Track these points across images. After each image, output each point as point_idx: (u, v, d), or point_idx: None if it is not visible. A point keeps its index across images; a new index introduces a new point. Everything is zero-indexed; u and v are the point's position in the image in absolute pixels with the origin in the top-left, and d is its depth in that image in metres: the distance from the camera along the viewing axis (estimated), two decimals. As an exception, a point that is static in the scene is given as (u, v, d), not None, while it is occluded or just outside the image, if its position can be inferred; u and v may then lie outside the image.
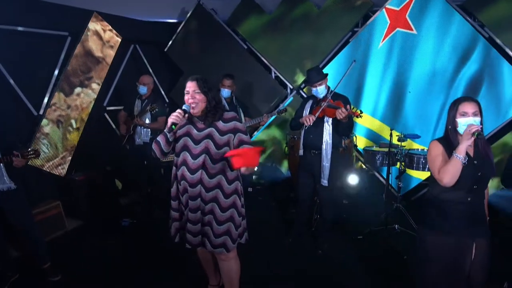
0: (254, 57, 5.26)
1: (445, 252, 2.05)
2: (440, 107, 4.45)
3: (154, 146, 2.35)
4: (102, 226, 4.14)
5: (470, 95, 4.13)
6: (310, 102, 3.43)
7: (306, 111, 3.39)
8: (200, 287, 2.82)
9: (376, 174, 4.82)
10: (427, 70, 4.42)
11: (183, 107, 2.23)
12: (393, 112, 4.67)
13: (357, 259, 3.40)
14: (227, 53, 5.30)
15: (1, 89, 3.62)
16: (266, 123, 4.34)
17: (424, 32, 4.36)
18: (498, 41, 4.14)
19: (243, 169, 2.14)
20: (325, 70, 4.83)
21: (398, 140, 3.80)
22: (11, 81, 3.68)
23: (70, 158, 4.26)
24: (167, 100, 5.67)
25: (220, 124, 2.30)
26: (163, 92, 5.72)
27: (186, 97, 2.27)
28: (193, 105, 2.24)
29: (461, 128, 1.99)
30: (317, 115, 3.17)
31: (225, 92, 4.17)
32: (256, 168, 2.12)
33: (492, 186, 4.10)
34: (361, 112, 3.00)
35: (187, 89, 2.28)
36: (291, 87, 5.17)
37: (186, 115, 2.22)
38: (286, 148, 4.71)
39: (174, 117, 2.19)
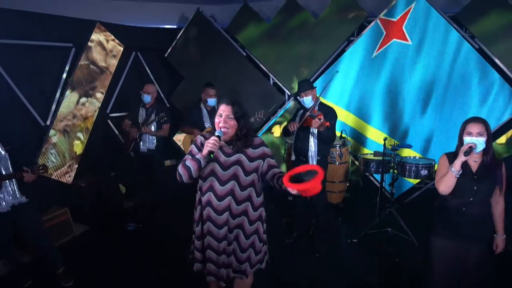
0: (253, 64, 5.40)
1: (445, 254, 2.36)
2: (433, 116, 4.62)
3: (182, 170, 2.17)
4: (109, 230, 4.28)
5: (460, 104, 4.38)
6: (301, 111, 3.68)
7: (297, 119, 3.64)
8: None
9: (371, 178, 5.01)
10: (421, 79, 4.59)
11: (217, 134, 2.13)
12: (388, 120, 4.85)
13: (351, 262, 3.60)
14: (226, 59, 5.43)
15: (9, 101, 3.74)
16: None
17: (418, 42, 4.51)
18: (488, 52, 4.30)
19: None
20: (321, 79, 5.04)
21: (392, 149, 3.98)
22: (19, 94, 3.79)
23: (76, 166, 4.41)
24: (167, 105, 5.80)
25: (249, 150, 2.25)
26: (164, 98, 5.85)
27: (217, 120, 2.19)
28: (224, 130, 2.16)
29: None
30: (301, 123, 3.46)
31: (212, 101, 4.31)
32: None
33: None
34: (331, 122, 3.34)
35: (220, 112, 2.19)
36: (289, 93, 5.33)
37: (221, 141, 2.14)
38: (285, 153, 4.88)
39: (211, 145, 2.08)
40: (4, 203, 2.84)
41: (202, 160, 2.14)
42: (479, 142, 2.19)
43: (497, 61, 4.27)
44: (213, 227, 2.26)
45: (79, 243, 4.02)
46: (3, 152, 2.85)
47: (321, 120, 3.21)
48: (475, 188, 2.24)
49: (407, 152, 4.53)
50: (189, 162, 2.17)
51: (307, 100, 3.54)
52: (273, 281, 3.22)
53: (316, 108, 3.52)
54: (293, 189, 1.98)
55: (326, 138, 3.50)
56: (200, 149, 2.23)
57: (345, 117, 5.04)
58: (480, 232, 2.31)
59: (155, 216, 4.54)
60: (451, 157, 2.34)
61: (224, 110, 2.18)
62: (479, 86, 4.35)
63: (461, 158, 2.18)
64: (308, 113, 3.44)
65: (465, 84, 4.41)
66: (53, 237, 3.70)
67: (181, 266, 3.33)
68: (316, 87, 3.65)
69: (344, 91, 5.00)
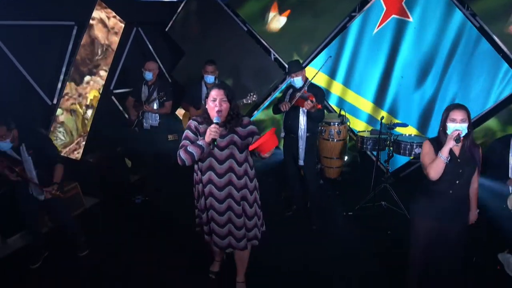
0: (254, 39, 5.40)
1: (429, 232, 2.52)
2: (431, 94, 4.70)
3: (184, 156, 2.37)
4: (117, 203, 4.51)
5: (459, 82, 4.44)
6: (290, 91, 3.81)
7: (287, 98, 3.78)
8: (206, 261, 3.19)
9: (369, 153, 5.17)
10: (421, 56, 4.63)
11: (215, 121, 2.32)
12: (386, 96, 4.93)
13: (346, 233, 3.83)
14: (227, 34, 5.42)
15: (16, 81, 3.82)
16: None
17: (419, 19, 4.51)
18: (488, 30, 4.30)
19: (267, 154, 2.30)
20: (322, 55, 5.06)
21: (388, 128, 4.11)
22: (25, 74, 3.87)
23: (84, 143, 4.58)
24: (169, 80, 5.87)
25: (239, 129, 2.48)
26: (166, 73, 5.90)
27: (212, 105, 2.38)
28: (218, 114, 2.35)
29: (449, 131, 2.32)
30: (292, 103, 3.59)
31: (209, 78, 4.38)
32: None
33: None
34: (322, 106, 3.49)
35: (214, 96, 2.38)
36: (290, 69, 5.36)
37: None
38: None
39: (214, 133, 2.27)
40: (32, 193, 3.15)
41: (206, 147, 2.37)
42: (462, 128, 2.28)
43: (496, 39, 4.28)
44: (215, 202, 2.51)
45: (89, 216, 4.25)
46: (27, 155, 3.03)
47: (313, 103, 3.36)
48: (460, 171, 2.37)
49: (405, 130, 4.58)
50: (191, 149, 2.37)
51: (297, 81, 3.67)
52: (270, 254, 3.37)
53: (306, 88, 3.63)
54: (252, 150, 2.32)
55: (316, 118, 3.68)
56: (195, 133, 2.47)
57: (343, 93, 5.12)
58: (462, 212, 2.49)
59: (161, 189, 4.74)
60: (435, 143, 2.43)
61: (217, 94, 2.38)
62: (479, 65, 4.38)
63: (449, 145, 2.27)
64: (298, 93, 3.58)
65: (464, 62, 4.45)
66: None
67: (188, 235, 3.53)
68: (305, 68, 3.75)
69: (343, 67, 5.04)
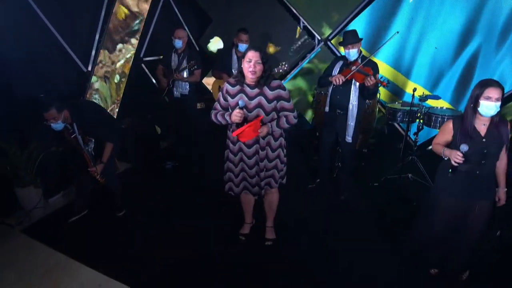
0: (283, 6, 5.28)
1: (452, 208, 2.49)
2: (464, 67, 4.55)
3: (215, 119, 2.75)
4: (149, 168, 4.70)
5: (494, 56, 4.24)
6: (340, 63, 3.58)
7: (335, 71, 3.56)
8: (236, 224, 3.35)
9: (396, 125, 5.12)
10: (457, 28, 4.44)
11: (240, 105, 2.53)
12: (419, 69, 4.80)
13: (372, 205, 3.87)
14: (256, 1, 5.33)
15: (52, 47, 3.91)
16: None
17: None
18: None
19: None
20: (352, 24, 4.92)
21: (420, 100, 4.04)
22: (61, 40, 3.95)
23: (117, 109, 4.73)
24: (197, 49, 5.88)
25: (267, 91, 2.60)
26: (193, 41, 5.90)
27: (246, 65, 2.51)
28: (252, 74, 2.50)
29: (481, 109, 2.21)
30: (347, 77, 3.37)
31: (242, 47, 4.35)
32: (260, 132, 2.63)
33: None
34: (388, 82, 3.23)
35: (250, 57, 2.50)
36: (319, 38, 5.27)
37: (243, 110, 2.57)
38: (312, 100, 4.99)
39: (238, 118, 2.54)
40: None
41: (231, 123, 2.69)
42: (497, 107, 2.18)
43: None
44: (245, 156, 2.80)
45: (123, 179, 4.44)
46: (77, 134, 3.19)
47: (377, 79, 3.17)
48: (485, 151, 2.28)
49: (437, 102, 4.51)
50: (220, 118, 2.73)
51: (353, 53, 3.44)
52: (296, 222, 3.52)
53: (359, 60, 3.42)
54: (234, 135, 2.59)
55: (372, 95, 3.52)
56: (225, 98, 2.70)
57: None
58: (488, 189, 2.42)
59: (191, 155, 4.88)
60: (457, 123, 2.35)
61: (253, 56, 2.50)
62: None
63: (450, 156, 2.28)
64: (354, 67, 3.36)
65: (501, 35, 4.24)
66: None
67: (218, 199, 3.70)
68: (362, 38, 3.50)
69: (375, 36, 4.89)
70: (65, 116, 3.09)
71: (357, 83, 3.45)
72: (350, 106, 3.53)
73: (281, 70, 3.92)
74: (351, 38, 3.42)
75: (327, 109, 3.75)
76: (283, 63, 3.86)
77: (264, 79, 2.56)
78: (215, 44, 5.81)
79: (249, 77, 2.54)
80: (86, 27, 4.26)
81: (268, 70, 2.56)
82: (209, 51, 5.91)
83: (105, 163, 3.35)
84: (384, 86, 3.26)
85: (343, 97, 3.55)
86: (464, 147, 2.20)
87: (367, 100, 3.87)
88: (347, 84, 3.46)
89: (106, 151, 3.34)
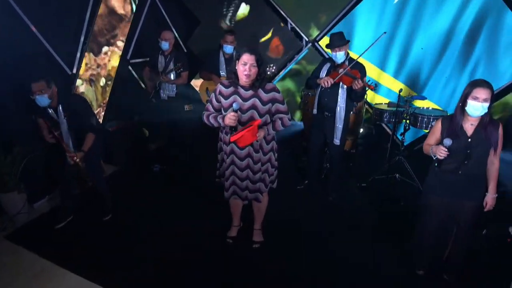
0: (270, 7, 5.28)
1: (440, 208, 2.52)
2: (451, 67, 4.60)
3: (207, 121, 2.73)
4: (136, 171, 4.64)
5: (481, 56, 4.30)
6: (327, 65, 3.58)
7: (323, 73, 3.56)
8: (224, 226, 3.33)
9: (384, 125, 5.16)
10: (442, 28, 4.49)
11: (234, 108, 2.51)
12: (405, 69, 4.85)
13: (360, 205, 3.91)
14: (243, 2, 5.32)
15: (36, 50, 3.83)
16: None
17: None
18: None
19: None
20: (339, 25, 4.94)
21: (405, 101, 4.08)
22: (45, 43, 3.89)
23: (103, 113, 4.67)
24: (185, 50, 5.85)
25: (262, 94, 2.60)
26: (181, 43, 5.87)
27: (241, 68, 2.51)
28: (246, 77, 2.51)
29: (468, 109, 2.23)
30: (335, 80, 3.37)
31: (228, 48, 4.36)
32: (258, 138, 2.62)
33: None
34: (376, 85, 3.24)
35: (245, 60, 2.50)
36: (307, 39, 5.28)
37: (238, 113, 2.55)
38: (300, 102, 5.01)
39: (232, 121, 2.52)
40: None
41: (223, 125, 2.65)
42: (484, 108, 2.18)
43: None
44: (236, 158, 2.76)
45: (110, 182, 4.38)
46: (63, 117, 3.12)
47: (364, 82, 3.16)
48: (468, 151, 2.29)
49: (423, 103, 4.55)
50: (212, 120, 2.71)
51: (340, 55, 3.43)
52: (285, 224, 3.51)
53: (346, 63, 3.42)
54: (232, 141, 2.55)
55: (360, 97, 3.50)
56: (218, 100, 2.68)
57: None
58: (474, 191, 2.41)
59: (178, 157, 4.84)
60: (446, 122, 2.36)
61: (248, 59, 2.50)
62: (502, 38, 4.24)
63: (436, 153, 2.29)
64: (342, 70, 3.35)
65: (487, 36, 4.31)
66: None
67: (205, 202, 3.70)
68: (349, 40, 3.50)
69: (362, 38, 4.93)
70: (53, 92, 3.07)
71: (345, 86, 3.46)
72: (338, 108, 3.54)
73: (268, 72, 3.94)
74: (337, 41, 3.41)
75: (315, 111, 3.76)
76: (271, 65, 3.86)
77: (259, 82, 2.56)
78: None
79: (244, 80, 2.54)
80: (71, 29, 4.20)
81: (263, 73, 2.57)
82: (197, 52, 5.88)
83: (86, 152, 3.26)
84: (371, 89, 3.27)
85: (330, 100, 3.56)
86: (447, 141, 2.22)
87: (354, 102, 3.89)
88: (335, 86, 3.47)
89: (87, 140, 3.26)
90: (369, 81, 3.31)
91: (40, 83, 2.98)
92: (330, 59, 3.61)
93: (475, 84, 2.22)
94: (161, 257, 3.04)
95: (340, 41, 3.41)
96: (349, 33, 4.88)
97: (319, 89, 3.64)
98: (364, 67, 3.49)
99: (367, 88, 3.36)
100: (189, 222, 3.54)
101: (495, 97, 4.23)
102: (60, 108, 3.11)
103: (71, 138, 3.21)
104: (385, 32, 3.51)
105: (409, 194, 4.02)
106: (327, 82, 3.35)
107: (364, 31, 4.88)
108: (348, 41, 3.48)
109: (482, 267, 2.94)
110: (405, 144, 4.41)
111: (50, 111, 3.14)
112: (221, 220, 3.41)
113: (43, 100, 3.02)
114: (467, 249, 2.70)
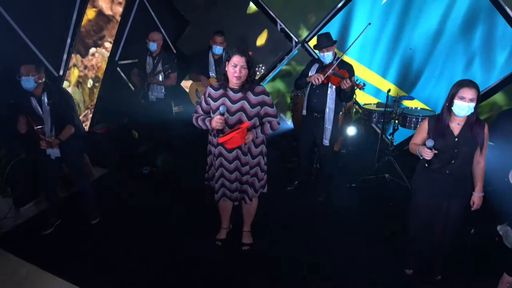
0: (260, 8, 5.28)
1: (428, 207, 2.53)
2: (440, 67, 4.63)
3: (195, 123, 2.74)
4: (126, 174, 4.59)
5: (469, 55, 4.34)
6: (316, 65, 3.59)
7: (311, 73, 3.55)
8: (213, 228, 3.31)
9: (374, 125, 5.18)
10: (431, 29, 4.52)
11: (221, 111, 2.49)
12: (394, 69, 4.87)
13: (349, 205, 3.91)
14: (233, 4, 5.31)
15: (22, 52, 3.79)
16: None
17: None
18: (501, 2, 4.15)
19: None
20: (328, 26, 4.96)
21: (394, 101, 4.10)
22: (31, 45, 3.84)
23: (91, 115, 4.62)
24: (174, 51, 5.81)
25: (251, 96, 2.58)
26: (170, 44, 5.83)
27: (232, 70, 2.49)
28: (236, 79, 2.49)
29: (454, 109, 2.25)
30: (324, 78, 3.35)
31: (217, 49, 4.34)
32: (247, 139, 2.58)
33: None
34: (364, 85, 3.25)
35: (235, 62, 2.48)
36: (296, 40, 5.28)
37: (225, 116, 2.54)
38: (290, 103, 5.00)
39: (219, 124, 2.51)
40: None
41: (211, 129, 2.68)
42: (470, 107, 2.19)
43: (509, 11, 4.15)
44: (225, 161, 2.74)
45: (99, 185, 4.30)
46: (47, 105, 3.10)
47: (353, 82, 3.17)
48: (455, 150, 2.31)
49: (412, 103, 4.57)
50: (200, 122, 2.72)
51: (328, 56, 3.43)
52: (275, 225, 3.52)
53: (334, 63, 3.41)
54: (220, 142, 2.53)
55: (349, 98, 3.50)
56: (207, 101, 2.67)
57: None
58: (461, 189, 2.43)
59: (167, 160, 4.81)
60: (432, 122, 2.37)
61: (239, 61, 2.48)
62: (490, 38, 4.28)
63: (422, 154, 2.29)
64: (330, 70, 3.34)
65: (475, 37, 4.34)
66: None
67: (195, 204, 3.70)
68: (337, 41, 3.50)
69: (351, 38, 4.95)
70: (40, 77, 3.07)
71: (333, 87, 3.46)
72: (327, 109, 3.54)
73: (258, 73, 3.93)
74: (325, 42, 3.41)
75: (304, 112, 3.76)
76: (260, 65, 3.86)
77: (249, 84, 2.55)
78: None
79: (234, 82, 2.53)
80: (57, 30, 4.15)
81: (253, 75, 2.56)
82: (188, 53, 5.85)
83: (62, 141, 3.16)
84: (360, 89, 3.28)
85: (319, 101, 3.56)
86: (429, 143, 2.24)
87: (343, 103, 3.90)
88: (324, 87, 3.47)
89: (65, 130, 3.19)
90: (357, 80, 3.32)
91: (30, 66, 3.02)
92: (319, 60, 3.62)
93: (461, 84, 2.23)
94: (149, 260, 3.01)
95: (327, 42, 3.41)
96: (338, 33, 4.90)
97: (308, 90, 3.65)
98: (353, 67, 3.50)
99: (356, 88, 3.35)
100: (178, 224, 3.52)
101: (482, 97, 4.36)
102: (45, 95, 3.11)
103: (53, 125, 3.18)
104: (369, 23, 3.51)
105: (398, 194, 4.03)
106: (317, 79, 3.34)
107: (353, 31, 4.89)
108: (336, 41, 3.48)
109: (471, 267, 2.96)
110: (394, 144, 4.43)
111: (34, 102, 3.11)
112: (210, 222, 3.39)
113: (29, 82, 3.01)
114: (453, 248, 2.72)
